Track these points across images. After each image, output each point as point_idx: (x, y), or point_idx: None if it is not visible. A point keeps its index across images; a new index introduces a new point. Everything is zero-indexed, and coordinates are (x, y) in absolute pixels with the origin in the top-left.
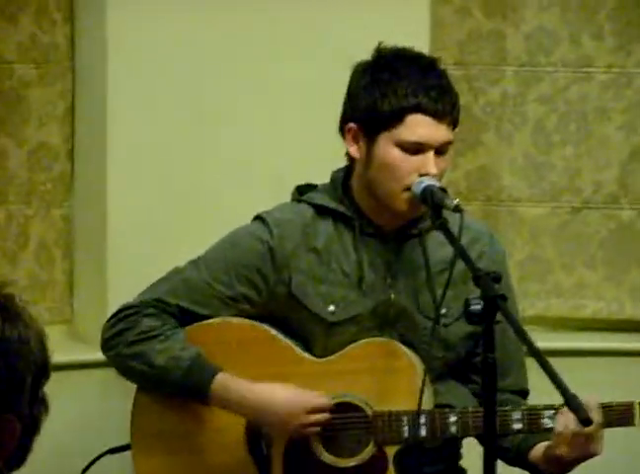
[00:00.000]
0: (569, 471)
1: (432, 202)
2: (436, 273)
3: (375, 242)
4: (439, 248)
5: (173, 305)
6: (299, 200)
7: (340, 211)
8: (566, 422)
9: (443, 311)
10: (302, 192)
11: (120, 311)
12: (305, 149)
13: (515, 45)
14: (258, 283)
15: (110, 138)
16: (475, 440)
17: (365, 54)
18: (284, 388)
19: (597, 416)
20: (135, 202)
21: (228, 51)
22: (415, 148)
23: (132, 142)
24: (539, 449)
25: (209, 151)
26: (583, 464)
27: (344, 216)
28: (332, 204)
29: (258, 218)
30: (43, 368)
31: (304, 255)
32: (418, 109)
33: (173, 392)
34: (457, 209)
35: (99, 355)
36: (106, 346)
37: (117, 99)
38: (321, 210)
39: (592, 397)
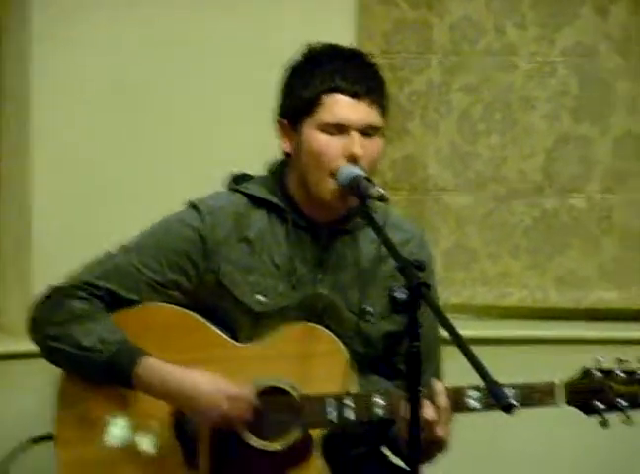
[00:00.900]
0: (426, 455)
1: (357, 191)
2: (365, 270)
3: (308, 236)
4: (370, 245)
5: (102, 289)
6: (234, 190)
7: (273, 203)
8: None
9: (369, 308)
10: (237, 181)
11: (48, 293)
12: (234, 148)
13: (440, 35)
14: (188, 270)
15: (33, 140)
16: None
17: (290, 44)
18: (206, 376)
19: (442, 401)
20: (59, 198)
21: (155, 49)
22: (337, 130)
23: (57, 144)
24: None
25: (135, 151)
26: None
27: (277, 208)
28: (266, 196)
29: (190, 205)
30: None
31: (235, 244)
32: (334, 89)
33: (97, 375)
34: (382, 199)
35: (22, 347)
36: (33, 326)
37: (41, 100)
38: (255, 201)
39: (438, 382)
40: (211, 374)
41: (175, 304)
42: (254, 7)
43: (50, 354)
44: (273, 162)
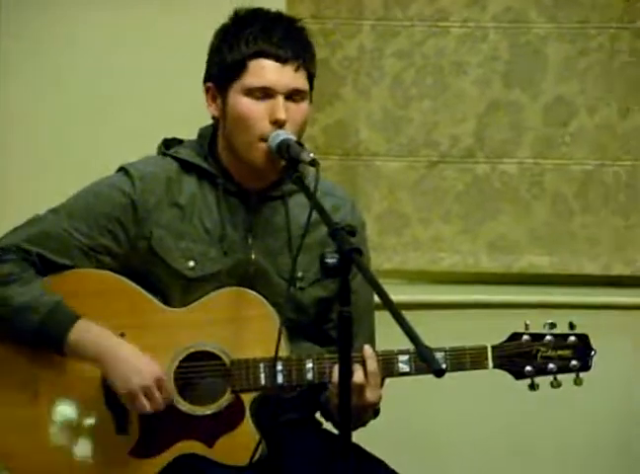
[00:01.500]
0: (358, 420)
1: (288, 156)
2: (296, 236)
3: (238, 202)
4: (301, 211)
5: (33, 253)
6: (164, 154)
7: (204, 168)
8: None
9: (300, 274)
10: (168, 145)
11: None
12: (171, 112)
13: (372, 0)
14: (118, 234)
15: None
16: None
17: (223, 11)
18: (134, 350)
19: (372, 365)
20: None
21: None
22: (263, 94)
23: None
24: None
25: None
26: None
27: (208, 173)
28: (196, 160)
29: (121, 169)
30: None
31: (167, 209)
32: (260, 54)
33: (27, 337)
34: (313, 163)
35: None
36: None
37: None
38: (186, 166)
39: (367, 347)
40: (134, 347)
41: (106, 269)
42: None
43: None
44: (203, 127)
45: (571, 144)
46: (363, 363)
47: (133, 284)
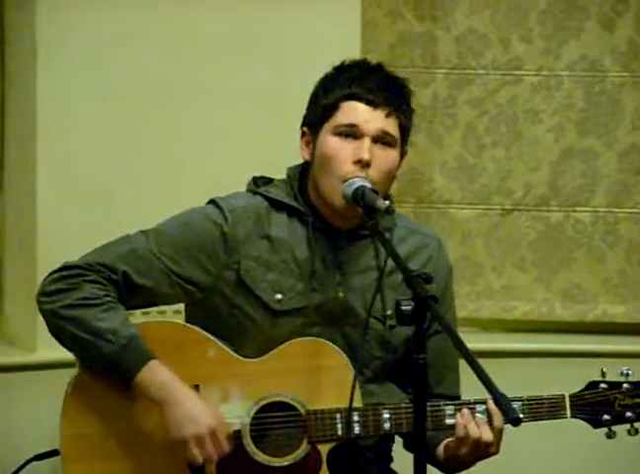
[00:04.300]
0: (468, 467)
1: (363, 203)
2: (386, 274)
3: (328, 240)
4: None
5: (119, 272)
6: (255, 192)
7: (294, 206)
8: (466, 426)
9: (389, 312)
10: (257, 183)
11: (63, 268)
12: (235, 154)
13: (445, 48)
14: (206, 264)
15: (40, 141)
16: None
17: (298, 57)
18: (197, 399)
19: (497, 420)
20: (65, 205)
21: (157, 52)
22: (351, 134)
23: (62, 145)
24: (442, 447)
25: (139, 155)
26: None
27: (298, 211)
28: (286, 200)
29: (212, 202)
30: None
31: (257, 241)
32: (352, 96)
33: (99, 364)
34: (389, 211)
35: (28, 358)
36: (42, 299)
37: (46, 101)
38: (275, 204)
39: (491, 402)
40: (203, 401)
41: (189, 302)
42: (262, 19)
43: (58, 331)
44: (291, 167)
45: None
46: (489, 420)
47: (206, 334)
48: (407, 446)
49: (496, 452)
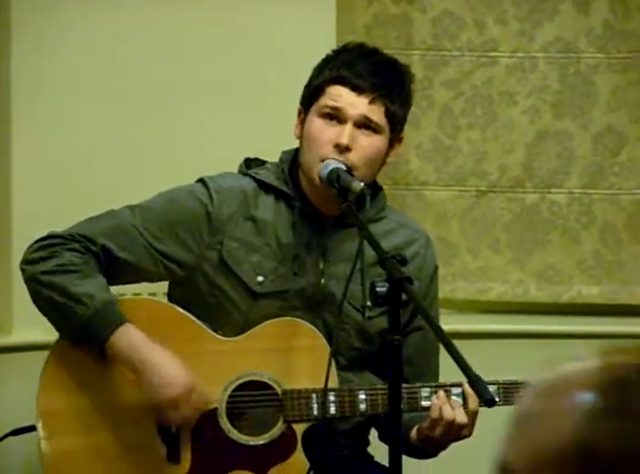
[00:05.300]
0: (442, 450)
1: (338, 185)
2: (369, 264)
3: (314, 225)
4: (377, 239)
5: (99, 244)
6: (245, 174)
7: (282, 190)
8: (441, 407)
9: (369, 303)
10: (249, 165)
11: (45, 238)
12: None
13: (421, 30)
14: (189, 243)
15: (15, 134)
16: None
17: (272, 41)
18: (170, 362)
19: (473, 403)
20: (42, 200)
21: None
22: (334, 117)
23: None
24: (415, 430)
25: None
26: None
27: (286, 195)
28: (275, 183)
29: (200, 181)
30: None
31: (241, 222)
32: (338, 80)
33: (74, 329)
34: (363, 192)
35: (5, 340)
36: (23, 267)
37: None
38: (264, 186)
39: (467, 385)
40: (184, 363)
41: (171, 280)
42: (236, 3)
43: (36, 295)
44: (285, 151)
45: (620, 174)
46: (464, 402)
47: (186, 313)
48: (382, 438)
49: (469, 435)
